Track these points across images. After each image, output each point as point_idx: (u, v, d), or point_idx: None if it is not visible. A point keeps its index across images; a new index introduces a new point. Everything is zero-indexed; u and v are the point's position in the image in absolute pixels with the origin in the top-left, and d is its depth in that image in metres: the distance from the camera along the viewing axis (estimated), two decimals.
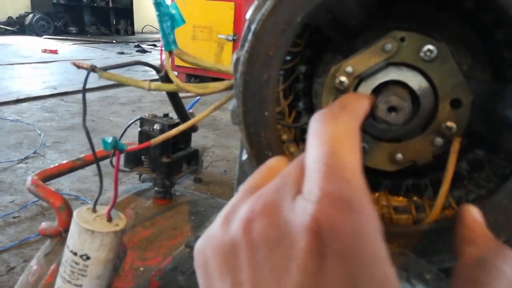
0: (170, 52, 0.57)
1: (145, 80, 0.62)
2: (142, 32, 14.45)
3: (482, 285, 0.29)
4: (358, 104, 0.33)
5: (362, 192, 0.25)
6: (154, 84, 0.61)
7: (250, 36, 0.38)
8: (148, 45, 10.77)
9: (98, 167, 0.63)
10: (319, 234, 0.23)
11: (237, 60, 0.41)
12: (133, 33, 14.09)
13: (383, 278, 0.23)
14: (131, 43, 10.95)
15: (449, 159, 0.38)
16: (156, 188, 0.96)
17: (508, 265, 0.29)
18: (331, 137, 0.27)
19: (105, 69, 0.57)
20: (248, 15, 0.41)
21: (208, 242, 0.28)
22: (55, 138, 3.55)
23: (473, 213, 0.34)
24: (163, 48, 0.57)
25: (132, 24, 14.14)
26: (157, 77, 0.68)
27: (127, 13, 13.89)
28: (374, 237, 0.24)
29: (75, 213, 0.66)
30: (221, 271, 0.26)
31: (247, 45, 0.39)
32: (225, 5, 5.37)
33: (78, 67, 0.58)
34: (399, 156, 0.41)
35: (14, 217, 2.30)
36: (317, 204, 0.24)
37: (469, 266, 0.31)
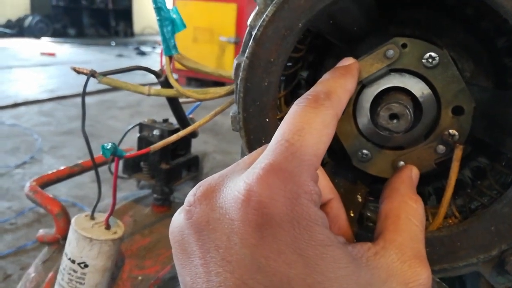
0: (171, 57, 0.57)
1: (145, 85, 0.61)
2: (142, 34, 14.44)
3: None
4: (345, 89, 0.33)
5: (308, 170, 0.26)
6: (153, 90, 0.60)
7: (251, 42, 0.38)
8: (148, 46, 10.77)
9: (97, 173, 0.63)
10: (254, 205, 0.24)
11: (238, 66, 0.41)
12: (132, 34, 14.08)
13: (322, 239, 0.24)
14: (130, 46, 10.94)
15: (452, 167, 0.38)
16: (155, 195, 0.95)
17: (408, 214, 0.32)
18: (304, 119, 0.28)
19: (105, 74, 0.57)
20: (249, 21, 0.41)
21: (170, 228, 0.29)
22: (53, 143, 3.54)
23: (412, 171, 0.37)
24: (163, 53, 0.57)
25: (131, 26, 14.13)
26: (157, 81, 0.68)
27: (126, 14, 13.89)
28: (309, 205, 0.25)
29: (73, 220, 0.65)
30: (180, 256, 0.27)
31: (248, 51, 0.38)
32: (227, 7, 5.34)
33: (78, 72, 0.57)
34: (402, 164, 0.41)
35: (11, 224, 2.28)
36: (256, 175, 0.25)
37: (389, 209, 0.33)
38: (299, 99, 0.30)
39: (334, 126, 0.29)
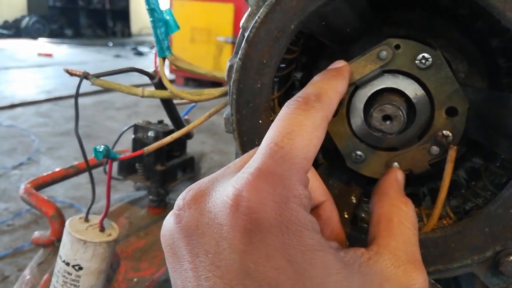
0: (164, 58, 0.56)
1: (139, 86, 0.61)
2: (139, 35, 14.38)
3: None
4: (336, 91, 0.33)
5: (297, 174, 0.25)
6: (147, 91, 0.60)
7: (243, 44, 0.38)
8: (146, 46, 10.74)
9: (91, 175, 0.62)
10: (243, 210, 0.24)
11: (231, 67, 0.41)
12: (130, 35, 14.04)
13: (312, 243, 0.24)
14: (128, 46, 10.90)
15: (446, 168, 0.38)
16: (150, 197, 0.95)
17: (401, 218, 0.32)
18: (294, 122, 0.28)
19: (98, 76, 0.56)
20: (242, 22, 0.41)
21: (161, 231, 0.29)
22: (50, 144, 3.52)
23: (397, 174, 0.37)
24: (157, 55, 0.56)
25: (129, 26, 14.08)
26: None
27: (124, 15, 13.83)
28: (298, 209, 0.25)
29: (67, 223, 0.65)
30: (171, 260, 0.27)
31: (240, 52, 0.38)
32: (225, 7, 5.34)
33: (71, 74, 0.57)
34: (396, 165, 0.41)
35: (8, 225, 2.27)
36: (245, 180, 0.25)
37: (381, 214, 0.33)
38: (289, 101, 0.30)
39: (324, 128, 0.29)
